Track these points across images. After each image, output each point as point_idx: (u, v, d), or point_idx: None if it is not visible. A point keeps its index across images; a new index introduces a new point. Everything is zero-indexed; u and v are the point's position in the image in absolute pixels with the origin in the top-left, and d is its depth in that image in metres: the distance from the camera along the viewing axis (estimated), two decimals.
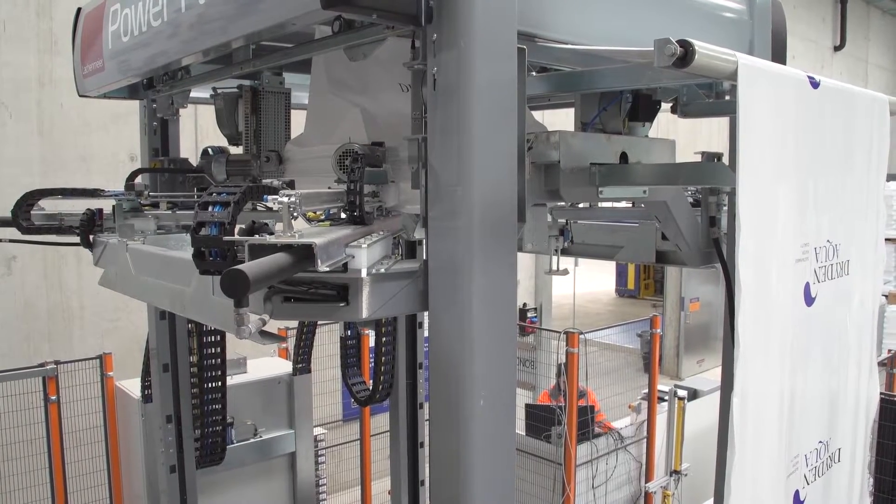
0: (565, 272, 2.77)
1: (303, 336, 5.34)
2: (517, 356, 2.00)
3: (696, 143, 14.44)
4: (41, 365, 5.34)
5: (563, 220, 2.94)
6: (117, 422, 5.74)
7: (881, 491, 4.86)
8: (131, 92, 3.45)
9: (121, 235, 2.95)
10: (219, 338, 3.86)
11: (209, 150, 3.25)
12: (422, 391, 4.26)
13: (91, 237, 3.12)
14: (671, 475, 7.49)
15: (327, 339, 6.48)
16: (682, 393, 7.50)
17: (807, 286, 2.02)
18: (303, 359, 5.44)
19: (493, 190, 1.82)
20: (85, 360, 5.72)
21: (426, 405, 4.18)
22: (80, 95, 3.54)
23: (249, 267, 1.49)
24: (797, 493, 2.12)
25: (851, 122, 2.19)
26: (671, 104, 2.86)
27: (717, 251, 2.56)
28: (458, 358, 1.82)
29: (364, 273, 1.82)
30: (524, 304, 11.40)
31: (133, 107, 3.73)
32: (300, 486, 5.42)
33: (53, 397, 5.33)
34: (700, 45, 1.47)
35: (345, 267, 1.81)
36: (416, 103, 1.94)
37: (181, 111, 3.56)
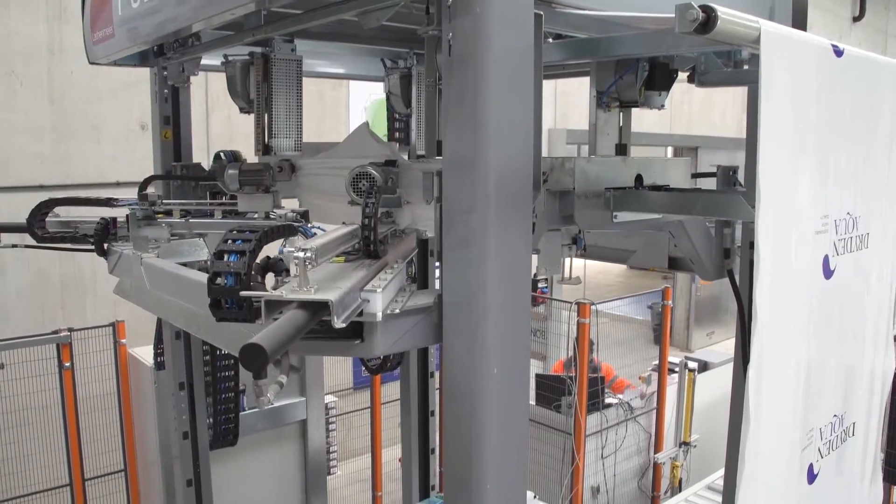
0: (577, 281, 2.76)
1: None
2: None
3: (709, 115, 14.29)
4: (55, 332, 5.38)
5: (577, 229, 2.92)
6: (130, 389, 5.79)
7: (891, 465, 4.86)
8: (142, 59, 3.42)
9: (135, 246, 2.96)
10: None
11: (221, 154, 3.22)
12: (432, 360, 4.26)
13: (105, 246, 3.12)
14: (680, 446, 7.52)
15: None
16: (692, 365, 7.50)
17: (825, 259, 1.99)
18: None
19: (510, 158, 1.79)
20: (98, 327, 5.76)
21: (437, 374, 4.18)
22: (91, 63, 3.52)
23: (267, 339, 1.44)
24: (811, 466, 2.11)
25: (875, 92, 2.14)
26: (688, 73, 2.81)
27: (731, 282, 2.51)
28: (472, 327, 1.81)
29: (380, 317, 1.83)
30: (535, 275, 11.39)
31: (144, 74, 3.71)
32: (311, 453, 5.45)
33: (67, 364, 5.38)
34: (722, 11, 1.44)
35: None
36: (429, 70, 1.91)
37: (192, 79, 3.54)
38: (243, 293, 1.76)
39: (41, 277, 6.74)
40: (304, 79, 3.07)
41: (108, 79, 6.88)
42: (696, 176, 2.97)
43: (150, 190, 3.17)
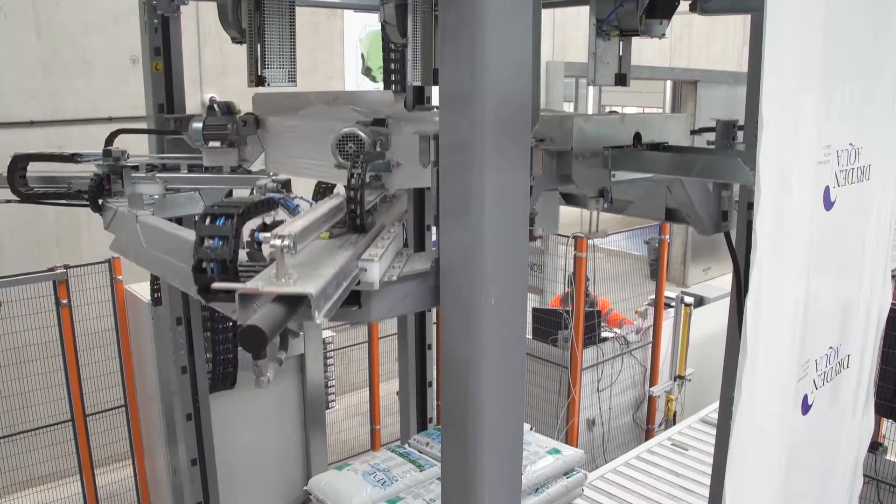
0: (604, 234, 2.73)
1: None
2: None
3: (709, 50, 14.07)
4: (51, 269, 5.37)
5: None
6: (128, 325, 5.81)
7: (883, 398, 4.93)
8: None
9: (130, 203, 2.91)
10: None
11: (215, 105, 3.16)
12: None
13: (100, 201, 3.08)
14: (675, 380, 7.62)
15: None
16: (688, 300, 7.55)
17: (826, 190, 1.97)
18: None
19: (508, 87, 1.75)
20: (94, 263, 5.75)
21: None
22: None
23: (265, 320, 1.40)
24: (805, 397, 2.13)
25: (886, 24, 2.09)
26: (690, 1, 2.74)
27: (728, 244, 2.47)
28: (469, 257, 1.80)
29: (377, 286, 1.81)
30: (532, 209, 11.35)
31: (132, 6, 3.61)
32: (309, 387, 5.51)
33: (65, 301, 5.39)
34: None
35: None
36: None
37: (182, 9, 3.45)
38: (215, 285, 1.62)
39: (35, 213, 6.69)
40: (298, 8, 2.99)
41: (97, 11, 6.72)
42: (695, 132, 2.92)
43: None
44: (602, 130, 2.23)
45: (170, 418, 4.84)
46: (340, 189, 2.02)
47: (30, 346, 5.64)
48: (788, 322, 1.93)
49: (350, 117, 2.42)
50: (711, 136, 2.64)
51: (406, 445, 3.91)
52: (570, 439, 6.75)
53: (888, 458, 5.45)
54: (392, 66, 3.98)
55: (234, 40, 3.08)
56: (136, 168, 3.00)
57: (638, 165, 2.24)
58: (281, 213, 2.12)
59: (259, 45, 2.88)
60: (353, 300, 1.82)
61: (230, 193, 3.07)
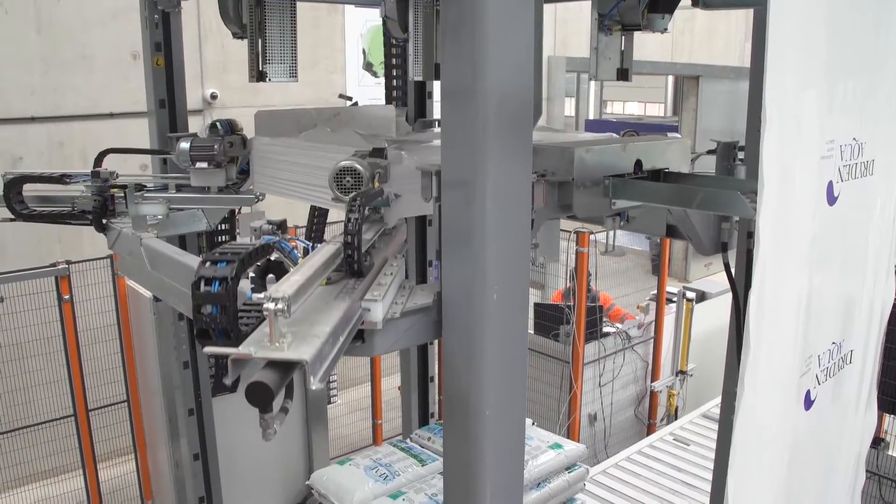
0: (622, 252, 2.73)
1: (313, 227, 5.32)
2: None
3: (711, 45, 14.04)
4: (53, 265, 5.37)
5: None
6: (130, 320, 5.81)
7: (886, 394, 4.93)
8: None
9: (134, 225, 2.95)
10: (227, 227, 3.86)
11: (217, 124, 3.17)
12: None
13: (104, 221, 3.11)
14: (677, 375, 7.63)
15: (337, 230, 6.48)
16: (690, 295, 7.55)
17: (830, 185, 1.96)
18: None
19: (510, 82, 1.74)
20: (96, 259, 5.76)
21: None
22: None
23: (271, 377, 1.39)
24: (808, 392, 2.13)
25: (888, 19, 2.08)
26: None
27: (728, 275, 2.46)
28: (471, 252, 1.79)
29: (381, 325, 1.82)
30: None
31: (133, 2, 3.60)
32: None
33: (66, 296, 5.40)
34: None
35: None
36: None
37: (183, 4, 3.44)
38: (207, 349, 1.55)
39: None
40: (299, 3, 2.99)
41: (97, 7, 6.71)
42: (695, 158, 2.93)
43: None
44: (603, 159, 2.23)
45: (172, 413, 4.84)
46: (335, 211, 1.99)
47: (32, 342, 5.64)
48: (791, 317, 1.93)
49: (348, 141, 2.40)
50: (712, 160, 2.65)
51: (408, 440, 3.91)
52: (571, 434, 6.76)
53: (890, 453, 5.44)
54: (393, 61, 3.98)
55: (235, 35, 3.07)
56: (124, 188, 3.02)
57: (638, 195, 2.25)
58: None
59: (260, 41, 2.88)
60: (357, 335, 1.83)
61: (233, 214, 3.08)
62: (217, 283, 1.64)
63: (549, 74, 10.86)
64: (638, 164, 2.33)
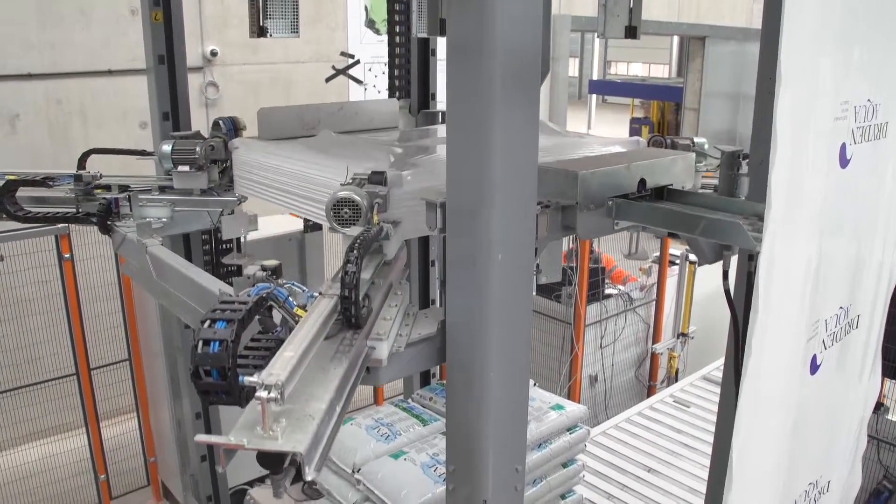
0: (644, 255, 2.68)
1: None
2: None
3: (719, 3, 13.84)
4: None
5: None
6: (131, 280, 5.80)
7: (887, 359, 4.92)
8: None
9: (138, 231, 2.99)
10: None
11: (220, 122, 3.20)
12: (432, 248, 4.23)
13: (108, 223, 3.11)
14: (678, 337, 7.64)
15: None
16: (692, 257, 7.52)
17: (842, 147, 1.93)
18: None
19: (517, 37, 1.69)
20: None
21: (437, 263, 4.18)
22: None
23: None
24: (814, 357, 2.11)
25: None
26: None
27: (728, 302, 2.41)
28: (475, 212, 1.76)
29: (386, 362, 1.86)
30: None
31: None
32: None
33: (67, 255, 5.37)
34: None
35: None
36: None
37: None
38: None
39: (35, 165, 6.64)
40: None
41: None
42: (706, 179, 2.94)
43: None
44: (607, 181, 2.22)
45: (173, 373, 4.85)
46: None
47: (33, 301, 5.64)
48: (800, 282, 1.90)
49: (332, 152, 2.36)
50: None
51: (409, 400, 3.91)
52: (572, 395, 6.79)
53: (890, 418, 5.47)
54: (396, 17, 3.90)
55: None
56: (108, 188, 3.09)
57: (642, 217, 2.25)
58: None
59: None
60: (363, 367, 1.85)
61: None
62: (217, 343, 1.61)
63: (554, 33, 10.70)
64: (642, 181, 2.32)
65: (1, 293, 5.57)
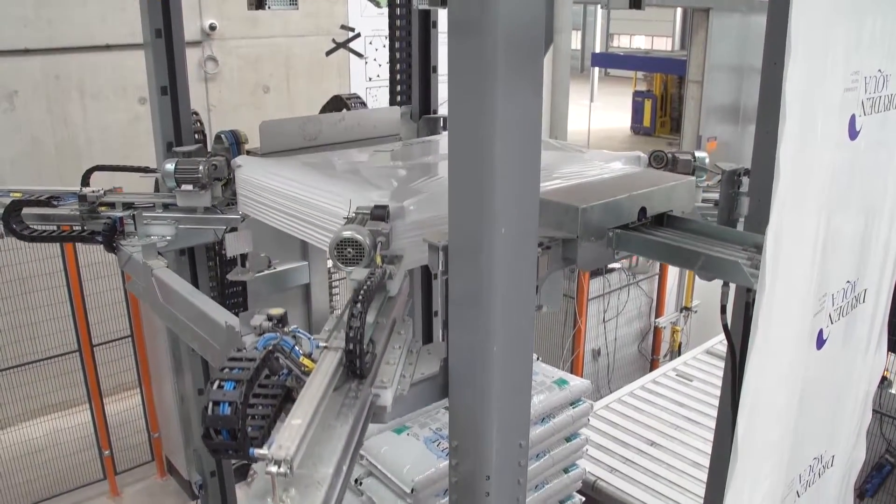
0: (646, 269, 2.66)
1: None
2: None
3: None
4: None
5: None
6: (139, 300, 5.79)
7: (891, 333, 4.91)
8: None
9: (144, 254, 3.01)
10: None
11: (222, 135, 3.22)
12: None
13: (114, 242, 3.15)
14: (681, 311, 7.63)
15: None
16: None
17: (852, 118, 1.90)
18: None
19: (519, 11, 1.66)
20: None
21: (440, 303, 4.17)
22: None
23: None
24: (821, 331, 2.09)
25: None
26: None
27: (727, 335, 2.40)
28: (478, 186, 1.74)
29: (390, 408, 1.90)
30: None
31: None
32: (315, 316, 5.51)
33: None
34: None
35: None
36: None
37: None
38: None
39: (35, 145, 6.62)
40: None
41: None
42: (706, 201, 2.96)
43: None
44: (608, 212, 2.22)
45: (176, 349, 4.85)
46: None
47: (35, 277, 5.63)
48: (808, 256, 1.88)
49: (334, 175, 2.38)
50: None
51: None
52: (575, 369, 6.80)
53: (893, 391, 5.47)
54: None
55: None
56: (112, 206, 3.14)
57: (642, 249, 2.28)
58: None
59: None
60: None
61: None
62: (226, 404, 1.62)
63: (556, 6, 10.58)
64: (642, 210, 2.31)
65: (2, 269, 5.56)
